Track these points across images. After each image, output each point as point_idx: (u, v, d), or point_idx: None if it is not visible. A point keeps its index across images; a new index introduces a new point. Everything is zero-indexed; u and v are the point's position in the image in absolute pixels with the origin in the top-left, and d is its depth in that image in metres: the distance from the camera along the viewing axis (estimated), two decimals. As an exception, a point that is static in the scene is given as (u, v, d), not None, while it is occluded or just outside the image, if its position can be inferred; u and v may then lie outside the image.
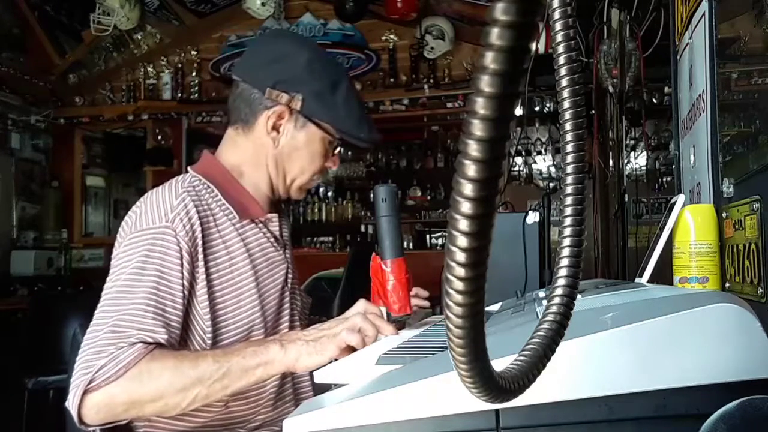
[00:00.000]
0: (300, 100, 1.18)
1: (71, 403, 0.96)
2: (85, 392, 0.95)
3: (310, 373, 1.22)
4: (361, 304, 1.14)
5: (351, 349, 1.00)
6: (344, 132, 1.21)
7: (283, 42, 1.25)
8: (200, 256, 1.10)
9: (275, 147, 1.21)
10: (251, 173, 1.23)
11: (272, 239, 1.24)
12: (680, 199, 1.11)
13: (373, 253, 1.15)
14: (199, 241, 1.10)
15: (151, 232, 1.08)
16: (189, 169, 1.23)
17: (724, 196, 1.09)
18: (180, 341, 1.08)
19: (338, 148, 1.26)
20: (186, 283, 1.07)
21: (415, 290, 1.25)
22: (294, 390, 1.25)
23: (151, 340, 1.00)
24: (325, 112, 1.19)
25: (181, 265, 1.07)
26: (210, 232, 1.13)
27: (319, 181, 1.29)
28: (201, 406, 1.08)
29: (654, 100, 4.16)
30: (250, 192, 1.23)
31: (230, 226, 1.17)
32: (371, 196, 1.13)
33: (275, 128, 1.20)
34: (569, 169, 0.38)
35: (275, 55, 1.22)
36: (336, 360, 0.98)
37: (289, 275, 1.26)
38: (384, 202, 1.12)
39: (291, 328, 1.25)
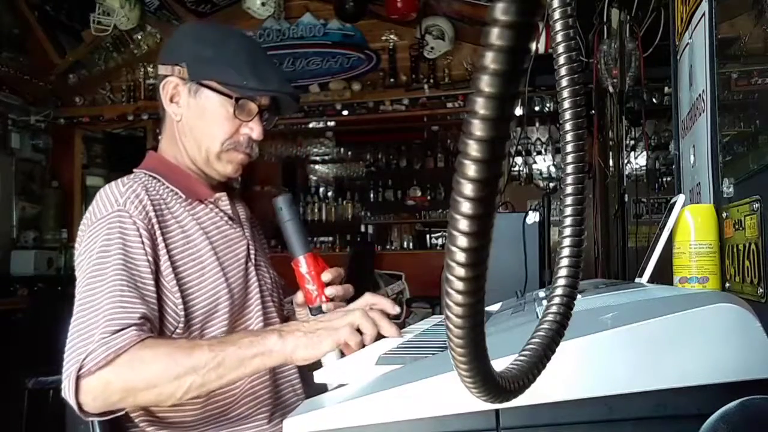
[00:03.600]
0: (184, 66, 1.22)
1: (67, 392, 0.96)
2: (78, 378, 0.96)
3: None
4: (366, 298, 1.14)
5: (350, 347, 1.00)
6: (228, 84, 1.21)
7: (179, 26, 1.31)
8: (158, 234, 1.13)
9: (179, 119, 1.25)
10: (177, 155, 1.27)
11: (226, 218, 1.27)
12: (680, 199, 1.11)
13: (292, 263, 1.22)
14: (154, 221, 1.13)
15: (106, 219, 1.10)
16: (134, 170, 1.26)
17: (724, 196, 1.09)
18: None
19: (251, 111, 1.23)
20: (150, 259, 1.09)
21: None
22: (282, 375, 1.26)
23: (136, 315, 1.01)
24: (209, 71, 1.21)
25: (142, 242, 1.09)
26: (162, 214, 1.16)
27: (249, 152, 1.26)
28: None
29: (654, 100, 4.15)
30: (192, 176, 1.26)
31: (181, 208, 1.20)
32: (273, 205, 1.23)
33: (173, 101, 1.24)
34: (569, 169, 0.38)
35: (170, 38, 1.30)
36: (340, 354, 1.00)
37: (251, 252, 1.28)
38: (281, 210, 1.21)
39: (262, 303, 1.27)
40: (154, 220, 1.13)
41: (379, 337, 1.04)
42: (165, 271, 1.12)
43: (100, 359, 0.95)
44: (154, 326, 1.06)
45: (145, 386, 0.98)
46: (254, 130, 1.24)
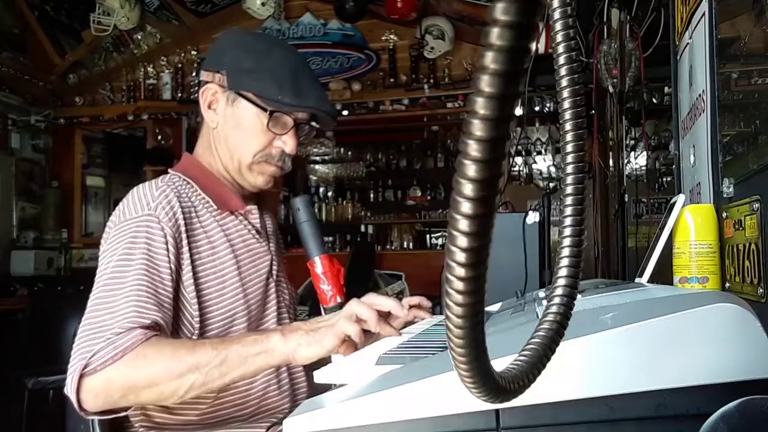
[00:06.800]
0: (225, 74, 1.22)
1: (69, 388, 0.97)
2: (82, 376, 0.96)
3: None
4: (354, 300, 1.14)
5: (351, 343, 1.00)
6: (264, 97, 1.20)
7: (226, 32, 1.31)
8: (184, 243, 1.13)
9: (215, 126, 1.25)
10: (211, 161, 1.27)
11: (253, 231, 1.26)
12: (680, 199, 1.11)
13: (308, 263, 1.23)
14: (182, 229, 1.13)
15: (134, 221, 1.10)
16: (169, 170, 1.26)
17: (724, 196, 1.09)
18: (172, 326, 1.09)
19: (286, 125, 1.22)
20: (173, 266, 1.09)
21: (417, 299, 1.27)
22: (290, 379, 1.25)
23: (147, 321, 1.01)
24: (247, 82, 1.21)
25: (167, 249, 1.09)
26: (191, 222, 1.16)
27: (281, 165, 1.26)
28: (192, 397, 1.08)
29: (654, 100, 4.15)
30: (225, 184, 1.26)
31: (210, 218, 1.20)
32: (289, 208, 1.24)
33: (211, 108, 1.24)
34: (569, 169, 0.38)
35: (215, 43, 1.29)
36: (337, 352, 0.99)
37: (274, 267, 1.28)
38: (299, 211, 1.24)
39: (278, 318, 1.26)
40: (182, 229, 1.13)
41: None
42: (186, 281, 1.12)
43: (106, 358, 0.96)
44: (166, 333, 1.05)
45: (146, 384, 0.98)
46: (288, 144, 1.23)
